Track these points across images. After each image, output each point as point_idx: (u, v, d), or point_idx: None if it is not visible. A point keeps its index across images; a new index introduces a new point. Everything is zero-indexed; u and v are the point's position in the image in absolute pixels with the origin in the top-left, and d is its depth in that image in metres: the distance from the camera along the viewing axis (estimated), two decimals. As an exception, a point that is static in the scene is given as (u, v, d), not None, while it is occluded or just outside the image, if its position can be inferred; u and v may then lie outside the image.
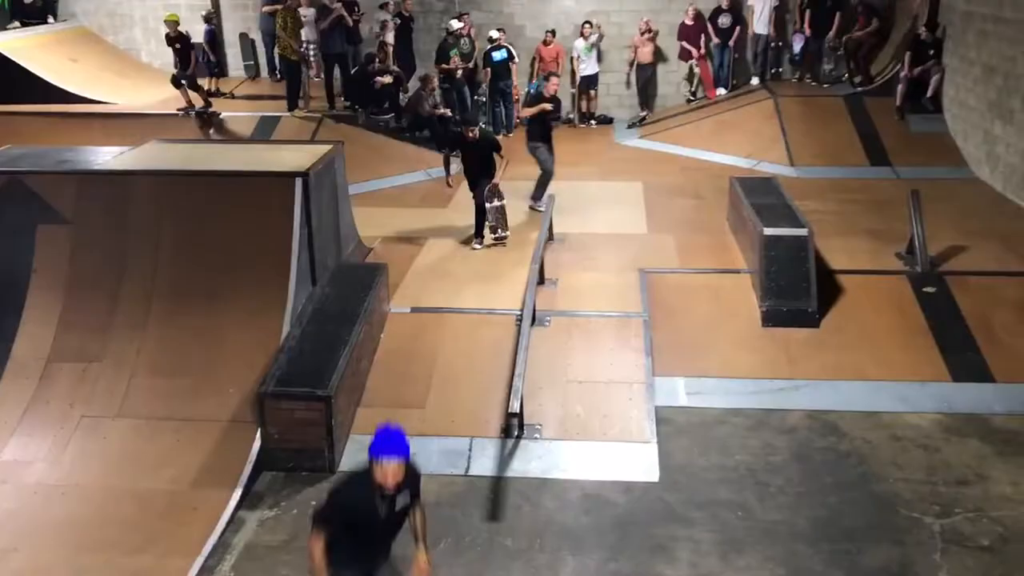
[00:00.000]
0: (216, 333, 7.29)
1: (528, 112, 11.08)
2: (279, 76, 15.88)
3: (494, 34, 15.28)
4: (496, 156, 9.86)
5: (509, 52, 15.26)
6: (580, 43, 15.73)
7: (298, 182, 7.62)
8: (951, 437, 6.77)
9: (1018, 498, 6.00)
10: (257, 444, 6.53)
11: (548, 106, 10.88)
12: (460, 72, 14.92)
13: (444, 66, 14.83)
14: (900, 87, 13.71)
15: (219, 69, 15.87)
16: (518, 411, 6.56)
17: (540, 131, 11.02)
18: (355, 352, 7.02)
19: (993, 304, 8.25)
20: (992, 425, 6.90)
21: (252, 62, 16.94)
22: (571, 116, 16.37)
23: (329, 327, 7.18)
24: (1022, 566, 5.38)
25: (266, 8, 15.40)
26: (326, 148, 8.67)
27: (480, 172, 9.86)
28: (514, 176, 10.72)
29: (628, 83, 16.50)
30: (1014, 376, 7.41)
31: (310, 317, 7.35)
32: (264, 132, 13.03)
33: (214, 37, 15.78)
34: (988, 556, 5.48)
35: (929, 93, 13.60)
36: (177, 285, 7.50)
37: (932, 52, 13.57)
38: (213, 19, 15.75)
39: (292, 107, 13.70)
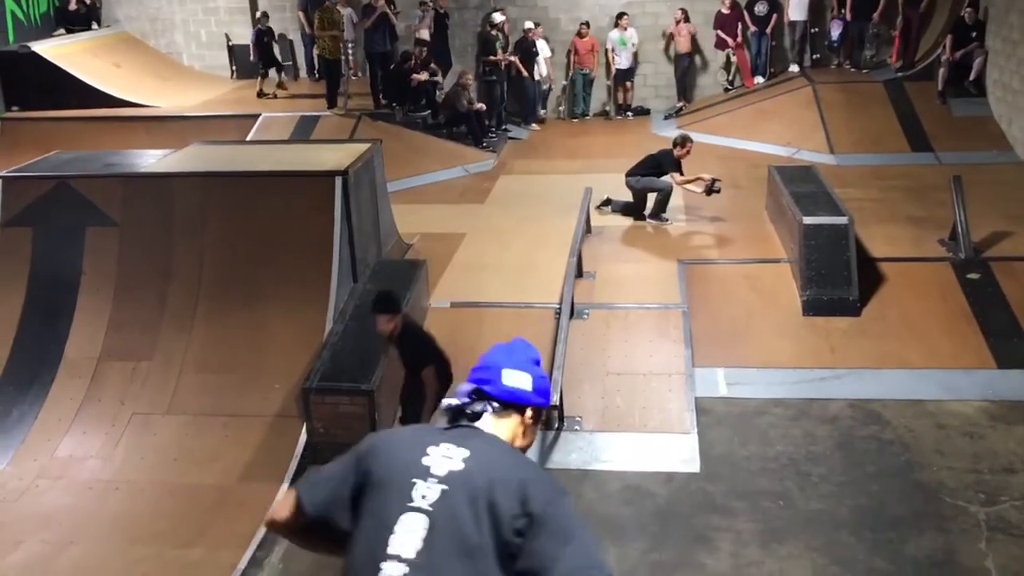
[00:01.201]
0: (261, 330, 7.43)
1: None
2: (317, 76, 16.10)
3: (497, 18, 15.31)
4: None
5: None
6: (615, 35, 15.71)
7: (338, 181, 7.74)
8: (996, 425, 6.69)
9: (1066, 486, 5.93)
10: (303, 438, 6.66)
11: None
12: (504, 65, 15.01)
13: (491, 58, 14.93)
14: (942, 71, 13.52)
15: (265, 70, 16.07)
16: (558, 403, 6.63)
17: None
18: (396, 347, 7.11)
19: (1039, 290, 8.13)
20: (1039, 412, 6.81)
21: (291, 62, 17.16)
22: (607, 109, 16.38)
23: (371, 323, 7.27)
24: (1070, 554, 5.32)
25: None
26: (365, 146, 8.77)
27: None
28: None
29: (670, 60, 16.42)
30: (1061, 362, 7.31)
31: (352, 313, 7.46)
32: (304, 132, 13.20)
33: (260, 38, 16.00)
34: (1035, 544, 5.43)
35: (972, 76, 13.40)
36: (222, 284, 7.65)
37: (975, 34, 13.35)
38: (260, 21, 15.96)
39: (331, 105, 13.89)
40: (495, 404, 2.46)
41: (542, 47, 15.61)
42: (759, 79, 15.74)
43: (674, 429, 6.80)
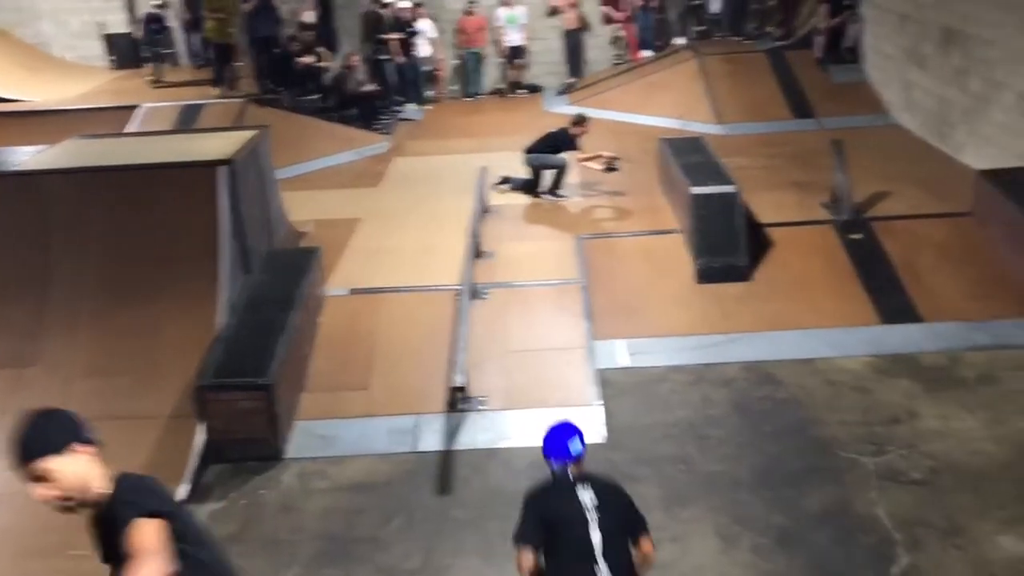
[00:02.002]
0: (151, 328, 7.16)
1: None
2: (199, 63, 15.62)
3: (403, 4, 15.15)
4: None
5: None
6: (503, 12, 15.67)
7: (222, 170, 7.50)
8: (883, 378, 6.98)
9: (946, 431, 6.23)
10: (201, 437, 6.47)
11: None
12: (394, 44, 14.83)
13: (382, 37, 14.70)
14: (820, 39, 13.95)
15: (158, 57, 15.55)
16: (461, 385, 6.62)
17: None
18: (293, 338, 6.98)
19: (917, 246, 8.50)
20: (921, 363, 7.13)
21: (171, 50, 16.57)
22: (500, 87, 16.36)
23: (265, 314, 7.12)
24: (951, 496, 5.60)
25: None
26: (250, 134, 8.54)
27: None
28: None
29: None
30: (940, 315, 7.66)
31: (245, 305, 7.27)
32: (187, 121, 12.74)
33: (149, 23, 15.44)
34: (921, 489, 5.69)
35: (848, 43, 13.86)
36: (107, 283, 7.34)
37: (848, 3, 13.81)
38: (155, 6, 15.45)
39: (218, 85, 13.58)
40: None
41: (424, 27, 15.44)
42: (647, 53, 15.95)
43: (578, 402, 6.87)
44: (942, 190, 9.60)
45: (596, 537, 3.69)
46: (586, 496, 3.80)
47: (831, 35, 13.93)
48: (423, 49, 15.46)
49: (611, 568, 3.64)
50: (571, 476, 3.93)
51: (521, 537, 3.73)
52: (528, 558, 3.66)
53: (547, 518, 3.76)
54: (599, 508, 3.77)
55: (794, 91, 13.57)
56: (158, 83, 14.85)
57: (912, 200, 9.42)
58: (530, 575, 3.65)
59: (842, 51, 13.92)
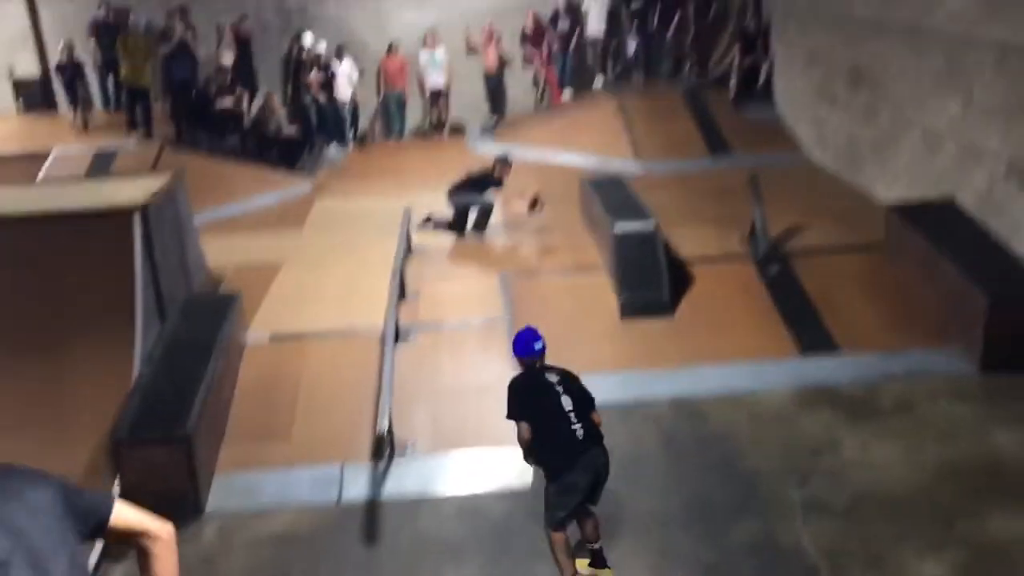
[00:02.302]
0: (63, 383, 6.90)
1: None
2: (114, 106, 15.31)
3: (307, 40, 15.11)
4: None
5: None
6: (424, 54, 15.76)
7: (136, 217, 7.32)
8: (804, 410, 7.09)
9: (867, 461, 6.35)
10: (116, 492, 6.22)
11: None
12: (316, 86, 14.76)
13: (306, 79, 14.64)
14: (733, 78, 14.35)
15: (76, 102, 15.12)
16: (387, 430, 6.51)
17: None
18: (213, 387, 6.78)
19: (833, 279, 8.72)
20: (840, 394, 7.27)
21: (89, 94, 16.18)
22: (423, 127, 16.40)
23: (182, 364, 6.91)
24: (874, 524, 5.69)
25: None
26: (166, 178, 8.37)
27: None
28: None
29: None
30: (857, 346, 7.84)
31: (161, 355, 7.05)
32: (101, 167, 12.46)
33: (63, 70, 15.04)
34: (844, 519, 5.77)
35: (760, 82, 14.29)
36: (14, 338, 7.06)
37: (760, 43, 14.27)
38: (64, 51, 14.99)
39: (134, 129, 13.34)
40: None
41: (345, 69, 15.42)
42: (567, 93, 16.20)
43: (506, 443, 6.78)
44: (855, 224, 9.89)
45: (568, 404, 5.05)
46: (552, 377, 5.20)
47: (744, 74, 14.36)
48: (344, 90, 15.41)
49: (583, 426, 5.00)
50: (538, 366, 5.31)
51: (514, 416, 5.09)
52: (525, 427, 5.02)
53: (528, 397, 5.11)
54: (562, 384, 5.15)
55: (710, 129, 13.89)
56: (84, 128, 14.49)
57: (827, 234, 9.68)
58: (527, 442, 5.05)
59: (755, 90, 14.35)
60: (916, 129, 9.96)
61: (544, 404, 5.06)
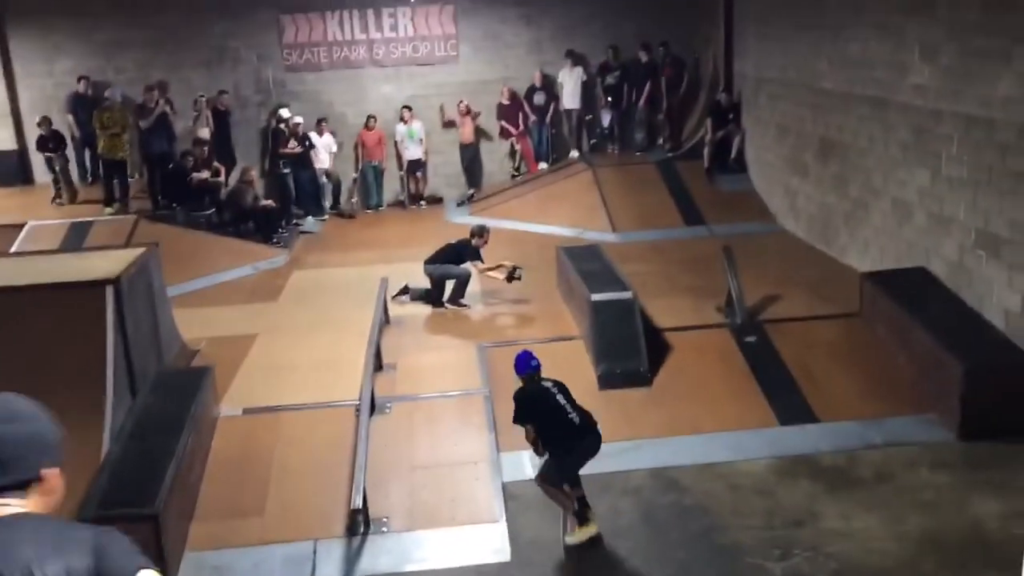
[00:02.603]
0: (28, 459, 6.72)
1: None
2: (90, 179, 15.32)
3: (284, 113, 15.24)
4: None
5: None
6: (402, 128, 15.93)
7: (109, 290, 7.24)
8: (784, 480, 7.04)
9: (848, 532, 6.28)
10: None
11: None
12: (294, 157, 14.88)
13: (284, 151, 14.73)
14: (707, 150, 14.60)
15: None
16: (361, 506, 6.37)
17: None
18: (183, 463, 6.63)
19: (809, 347, 8.75)
20: (820, 464, 7.23)
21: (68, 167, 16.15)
22: (401, 199, 16.49)
23: (153, 440, 6.76)
24: (859, 598, 5.61)
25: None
26: (139, 251, 8.32)
27: None
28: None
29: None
30: (835, 415, 7.83)
31: (131, 431, 6.91)
32: (76, 239, 12.34)
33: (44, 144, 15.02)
34: (828, 592, 5.68)
35: (733, 154, 14.55)
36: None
37: (731, 116, 14.56)
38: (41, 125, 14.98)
39: (109, 204, 13.34)
40: None
41: (325, 141, 15.54)
42: (543, 165, 16.38)
43: (483, 519, 6.69)
44: (830, 292, 9.98)
45: (562, 400, 6.31)
46: (548, 383, 6.45)
47: (717, 146, 14.61)
48: (323, 162, 15.51)
49: (577, 414, 6.27)
50: (535, 378, 6.47)
51: (519, 421, 6.29)
52: (530, 429, 6.22)
53: (531, 404, 6.30)
54: (556, 387, 6.42)
55: (684, 200, 14.07)
56: (72, 202, 14.42)
57: (802, 302, 9.75)
58: (534, 439, 6.22)
59: (728, 161, 14.59)
60: (886, 199, 10.13)
61: (544, 405, 6.28)
